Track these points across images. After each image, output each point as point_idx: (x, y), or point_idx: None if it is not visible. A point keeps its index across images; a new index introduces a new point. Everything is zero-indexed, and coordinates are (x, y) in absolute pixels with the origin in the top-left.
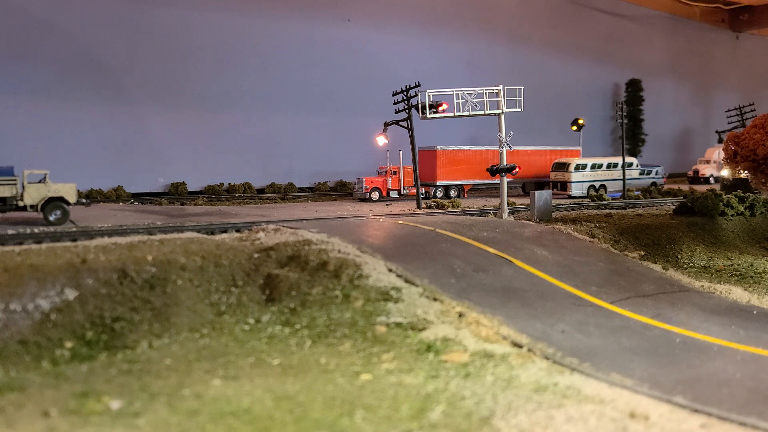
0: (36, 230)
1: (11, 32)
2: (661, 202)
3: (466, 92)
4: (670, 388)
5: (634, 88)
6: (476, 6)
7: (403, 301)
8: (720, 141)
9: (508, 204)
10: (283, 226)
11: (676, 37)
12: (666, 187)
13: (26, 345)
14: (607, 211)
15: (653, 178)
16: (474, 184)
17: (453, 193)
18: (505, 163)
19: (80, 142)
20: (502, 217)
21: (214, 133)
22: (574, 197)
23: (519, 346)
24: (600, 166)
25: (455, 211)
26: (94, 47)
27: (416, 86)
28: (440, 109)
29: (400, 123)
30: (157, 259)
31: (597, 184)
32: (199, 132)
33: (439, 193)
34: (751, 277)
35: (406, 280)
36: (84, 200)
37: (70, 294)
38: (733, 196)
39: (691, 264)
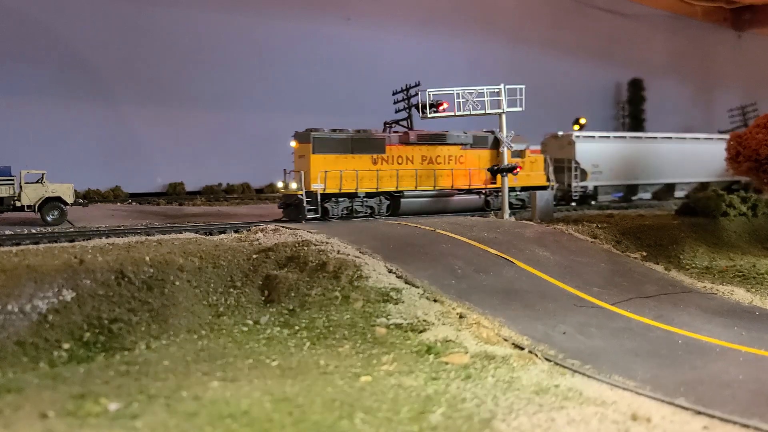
0: (33, 230)
1: (8, 33)
2: (663, 202)
3: (466, 91)
4: (672, 389)
5: (635, 87)
6: (477, 5)
7: (403, 302)
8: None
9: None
10: (282, 227)
11: (678, 36)
12: None
13: (23, 346)
14: (609, 211)
15: None
16: None
17: None
18: (506, 163)
19: (78, 142)
20: (503, 218)
21: (213, 133)
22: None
23: (520, 347)
24: None
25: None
26: (91, 47)
27: (416, 86)
28: (441, 108)
29: (400, 123)
30: (155, 259)
31: None
32: (197, 132)
33: None
34: (754, 278)
35: (407, 281)
36: (81, 200)
37: (68, 295)
38: (735, 197)
39: (693, 265)
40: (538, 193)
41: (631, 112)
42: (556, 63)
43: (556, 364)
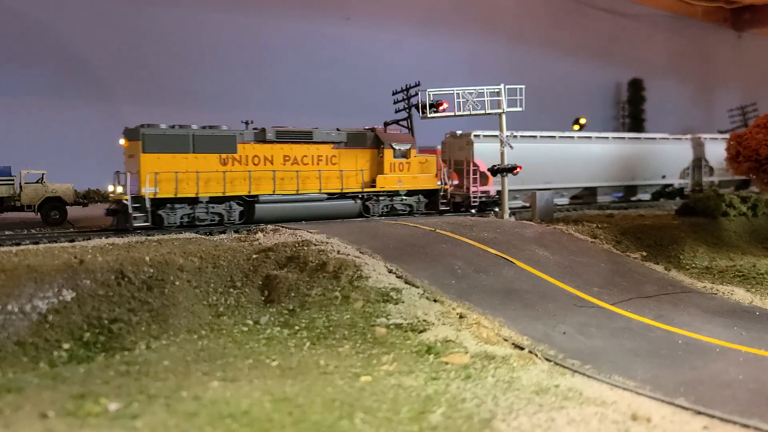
0: (33, 230)
1: (8, 33)
2: (663, 202)
3: (466, 91)
4: (672, 389)
5: (635, 87)
6: (477, 5)
7: (403, 302)
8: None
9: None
10: (282, 227)
11: (678, 36)
12: None
13: (23, 346)
14: (609, 211)
15: None
16: None
17: None
18: (506, 162)
19: (78, 142)
20: (503, 218)
21: None
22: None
23: (520, 347)
24: None
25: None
26: (91, 47)
27: (416, 85)
28: (440, 108)
29: (400, 123)
30: (155, 259)
31: None
32: None
33: None
34: (754, 278)
35: (407, 281)
36: (81, 200)
37: (68, 295)
38: (735, 197)
39: (693, 265)
40: (539, 193)
41: (631, 112)
42: (556, 63)
43: (556, 364)
